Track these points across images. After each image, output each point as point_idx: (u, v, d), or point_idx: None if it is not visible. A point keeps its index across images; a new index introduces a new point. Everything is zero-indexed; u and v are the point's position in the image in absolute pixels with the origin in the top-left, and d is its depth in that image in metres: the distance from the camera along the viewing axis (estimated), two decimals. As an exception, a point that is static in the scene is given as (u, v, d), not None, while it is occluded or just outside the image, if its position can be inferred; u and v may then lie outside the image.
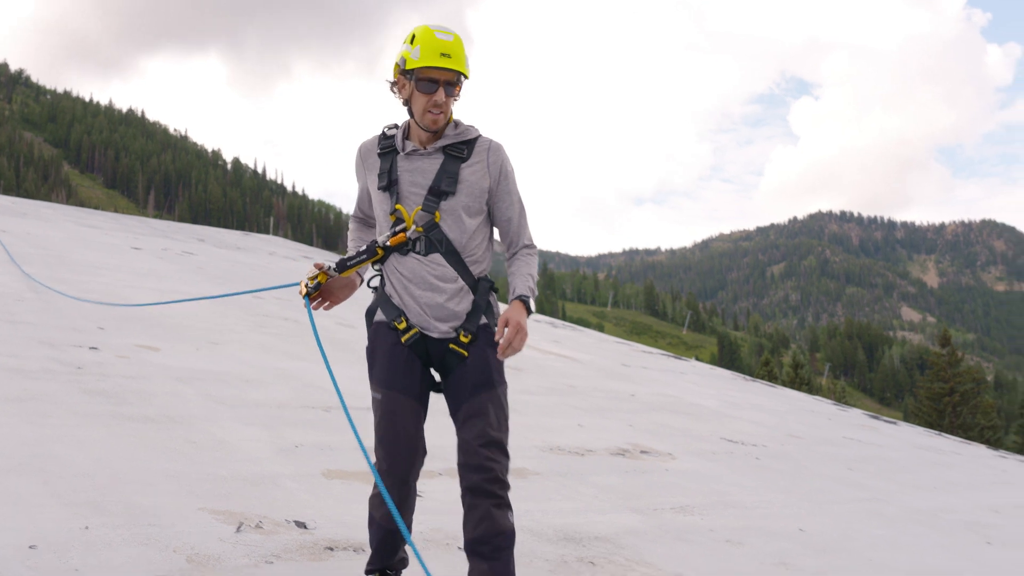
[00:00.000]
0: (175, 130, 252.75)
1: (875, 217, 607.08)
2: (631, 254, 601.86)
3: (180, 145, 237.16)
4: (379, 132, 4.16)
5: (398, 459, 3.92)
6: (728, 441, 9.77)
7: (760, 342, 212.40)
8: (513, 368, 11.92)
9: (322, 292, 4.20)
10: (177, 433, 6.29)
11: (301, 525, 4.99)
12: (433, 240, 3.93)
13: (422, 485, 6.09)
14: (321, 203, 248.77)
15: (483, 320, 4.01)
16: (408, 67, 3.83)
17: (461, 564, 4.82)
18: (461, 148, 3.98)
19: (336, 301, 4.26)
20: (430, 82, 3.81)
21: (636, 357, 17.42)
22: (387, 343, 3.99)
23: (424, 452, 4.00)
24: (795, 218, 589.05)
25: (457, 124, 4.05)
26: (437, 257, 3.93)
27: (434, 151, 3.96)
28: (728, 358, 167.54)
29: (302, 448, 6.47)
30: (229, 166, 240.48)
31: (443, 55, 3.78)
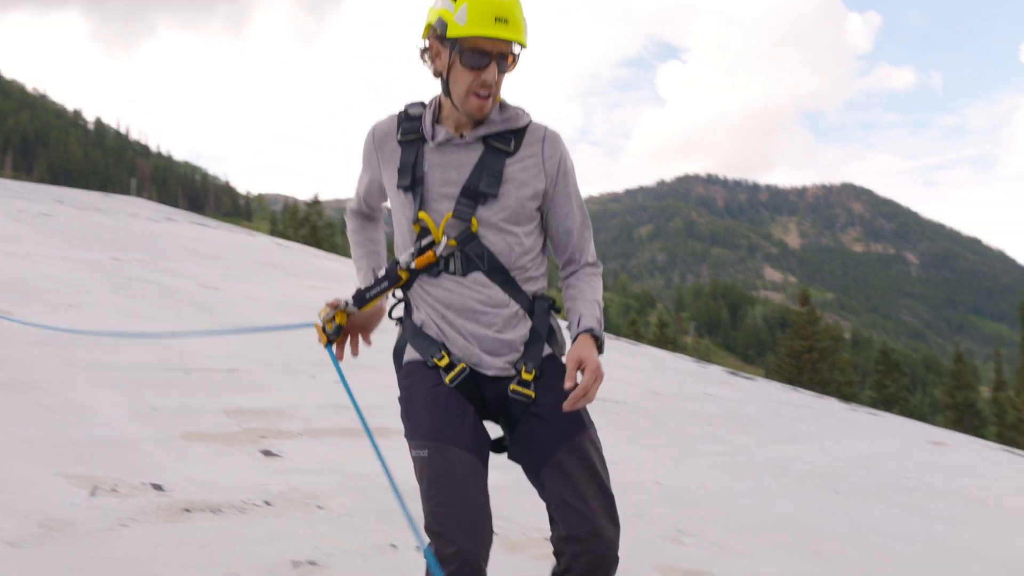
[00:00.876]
0: (33, 89, 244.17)
1: (740, 180, 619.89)
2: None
3: (39, 104, 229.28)
4: (398, 111, 3.28)
5: (467, 533, 2.82)
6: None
7: (628, 302, 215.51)
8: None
9: (346, 330, 3.36)
10: (31, 398, 6.16)
11: (158, 487, 4.95)
12: (471, 256, 3.08)
13: (279, 444, 6.09)
14: (187, 164, 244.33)
15: (547, 350, 3.18)
16: (450, 34, 2.94)
17: (322, 524, 4.85)
18: (507, 138, 3.12)
19: (367, 334, 3.42)
20: (479, 54, 2.95)
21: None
22: (426, 385, 3.06)
23: (492, 530, 2.95)
24: (662, 181, 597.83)
25: (503, 106, 3.18)
26: (479, 276, 3.08)
27: (474, 140, 3.11)
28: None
29: (160, 411, 6.40)
30: (91, 126, 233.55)
31: (498, 20, 2.91)
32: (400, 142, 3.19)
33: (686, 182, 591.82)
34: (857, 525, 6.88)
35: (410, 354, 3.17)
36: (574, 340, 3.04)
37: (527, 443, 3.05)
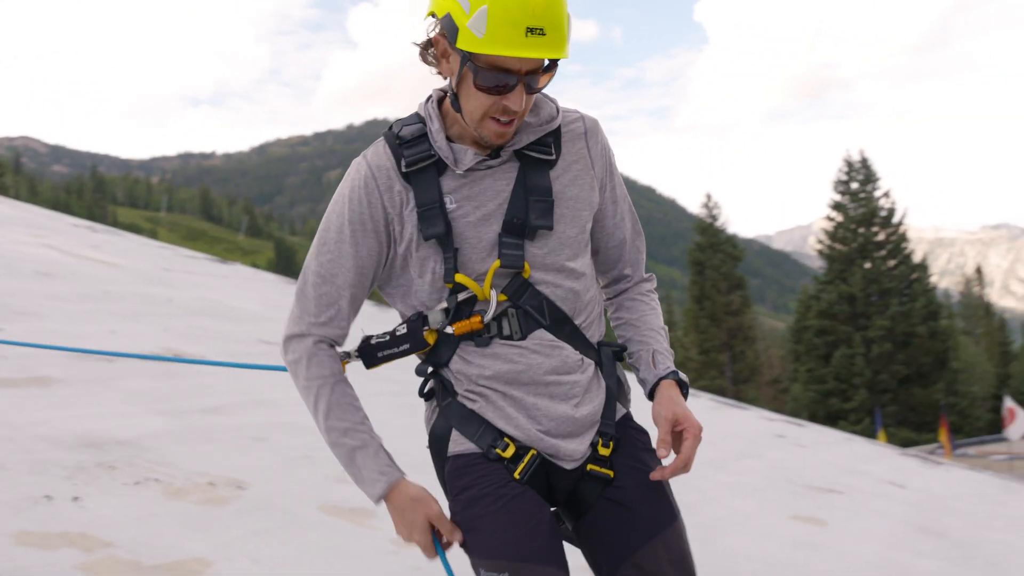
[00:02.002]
0: None
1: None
2: (186, 158, 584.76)
3: None
4: (385, 134, 2.43)
5: None
6: (265, 343, 9.94)
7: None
8: (41, 273, 11.42)
9: None
10: None
11: None
12: (529, 310, 2.35)
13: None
14: None
15: (620, 410, 2.52)
16: (461, 46, 2.12)
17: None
18: (546, 144, 2.38)
19: None
20: (500, 74, 2.15)
21: (179, 262, 17.11)
22: (492, 486, 2.33)
23: None
24: (352, 124, 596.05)
25: (534, 100, 2.40)
26: (543, 335, 2.35)
27: (509, 157, 2.35)
28: (285, 263, 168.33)
29: None
30: None
31: (531, 32, 2.08)
32: (406, 174, 2.33)
33: (376, 126, 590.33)
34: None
35: (459, 444, 2.41)
36: (652, 387, 2.44)
37: (605, 535, 2.39)
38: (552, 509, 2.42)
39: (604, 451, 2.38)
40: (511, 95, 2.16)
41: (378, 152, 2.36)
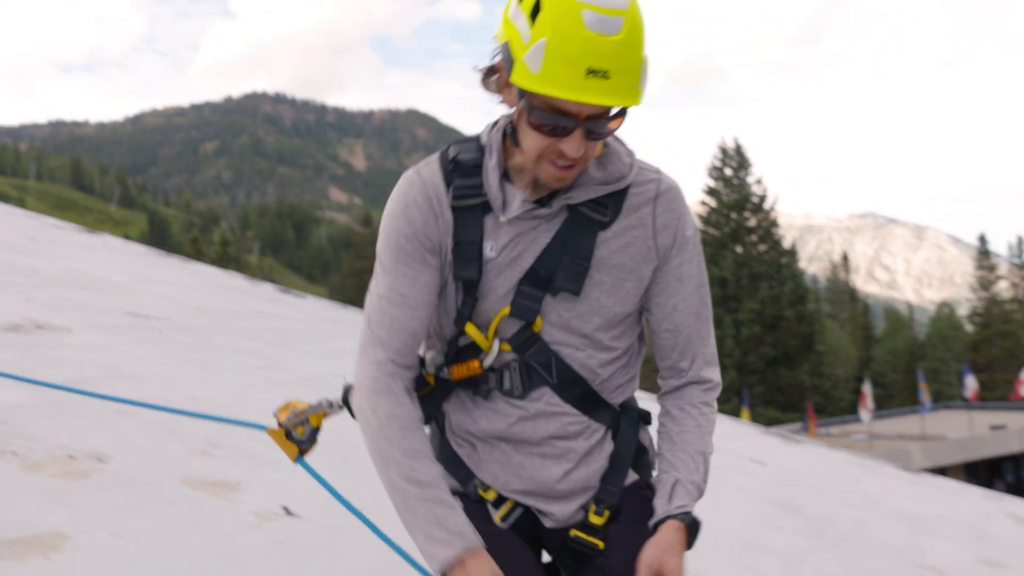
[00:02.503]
0: None
1: (308, 100, 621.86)
2: (57, 125, 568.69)
3: None
4: (441, 154, 2.24)
5: None
6: (132, 315, 9.75)
7: (191, 219, 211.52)
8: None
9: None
10: None
11: None
12: (535, 367, 2.18)
13: None
14: None
15: (631, 478, 2.32)
16: (515, 80, 1.95)
17: None
18: (603, 204, 2.15)
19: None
20: (557, 116, 1.95)
21: (45, 231, 16.65)
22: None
23: None
24: (230, 97, 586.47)
25: (606, 151, 2.18)
26: (546, 394, 2.19)
27: (560, 209, 2.14)
28: (159, 235, 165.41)
29: None
30: None
31: (592, 73, 1.86)
32: (453, 208, 2.16)
33: (254, 99, 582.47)
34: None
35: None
36: (657, 524, 2.16)
37: None
38: (545, 555, 2.35)
39: (596, 519, 2.22)
40: (568, 140, 1.96)
41: (433, 171, 2.19)
